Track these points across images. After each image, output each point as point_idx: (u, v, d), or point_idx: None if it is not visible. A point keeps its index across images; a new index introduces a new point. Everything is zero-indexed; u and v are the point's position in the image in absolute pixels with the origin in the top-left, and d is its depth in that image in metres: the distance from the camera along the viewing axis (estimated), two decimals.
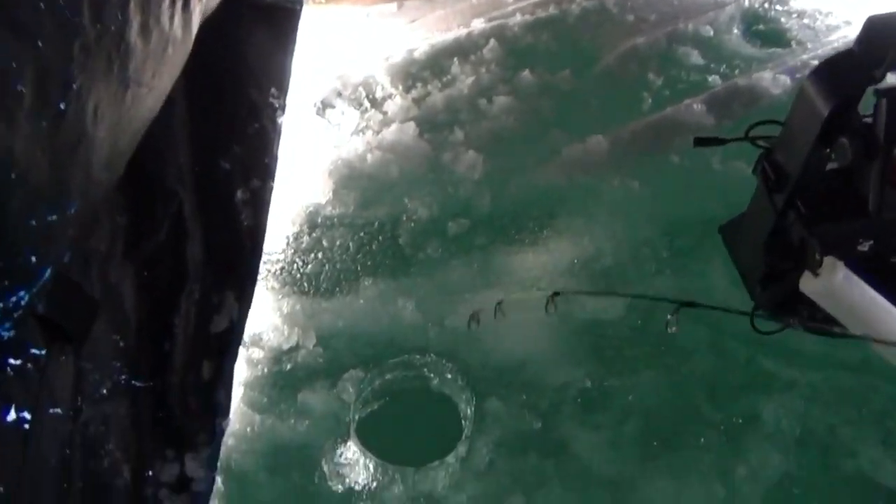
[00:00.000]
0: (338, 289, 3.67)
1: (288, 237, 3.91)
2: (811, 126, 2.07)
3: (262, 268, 3.30)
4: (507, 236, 3.86)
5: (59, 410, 2.07)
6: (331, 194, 4.10)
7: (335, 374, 3.32)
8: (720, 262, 3.13)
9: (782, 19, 5.10)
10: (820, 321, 2.22)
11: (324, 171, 4.22)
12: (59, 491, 2.11)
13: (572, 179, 4.07)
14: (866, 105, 2.09)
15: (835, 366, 3.17)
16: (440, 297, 3.58)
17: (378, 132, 4.41)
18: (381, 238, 3.89)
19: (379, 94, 4.74)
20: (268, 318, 3.52)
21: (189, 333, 2.77)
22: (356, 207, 4.03)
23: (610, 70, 4.78)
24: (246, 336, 3.04)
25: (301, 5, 3.56)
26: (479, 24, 5.18)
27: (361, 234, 3.90)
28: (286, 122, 3.30)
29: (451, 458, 3.08)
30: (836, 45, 4.74)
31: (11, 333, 1.78)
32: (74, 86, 1.77)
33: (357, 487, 3.04)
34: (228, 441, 2.99)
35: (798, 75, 4.47)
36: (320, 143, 4.41)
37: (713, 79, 4.59)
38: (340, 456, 3.12)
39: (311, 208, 4.04)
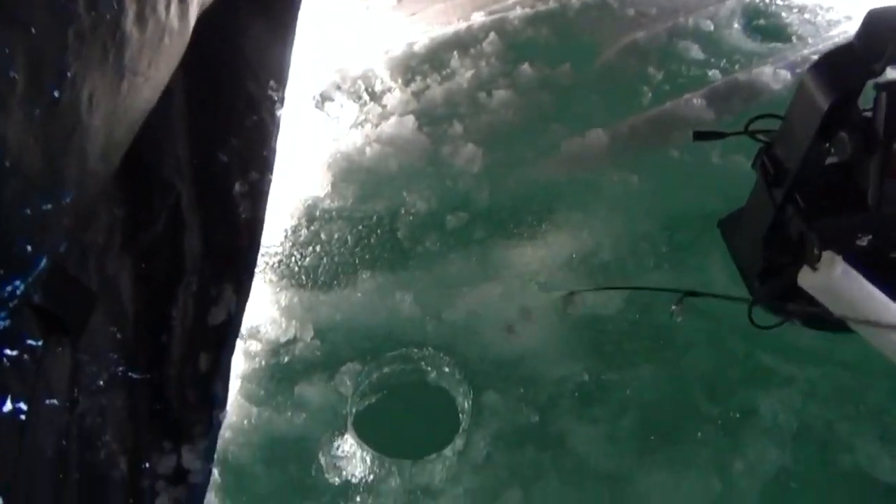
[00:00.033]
0: (336, 282, 3.67)
1: (286, 230, 3.90)
2: (811, 120, 2.06)
3: (261, 260, 3.30)
4: (506, 230, 3.84)
5: (55, 401, 2.07)
6: (329, 187, 4.09)
7: (333, 366, 3.32)
8: (719, 256, 3.13)
9: (783, 14, 5.09)
10: (818, 316, 2.22)
11: (322, 163, 4.21)
12: (56, 482, 2.10)
13: (571, 173, 4.06)
14: (865, 99, 2.09)
15: (833, 361, 3.16)
16: (438, 290, 3.57)
17: (377, 125, 4.40)
18: (379, 231, 3.88)
19: (378, 88, 4.73)
20: (265, 311, 3.52)
21: (186, 325, 2.77)
22: (355, 200, 4.02)
23: (610, 64, 4.76)
24: (243, 328, 3.03)
25: None
26: (478, 18, 5.17)
27: (360, 227, 3.90)
28: (285, 114, 3.29)
29: (448, 452, 3.08)
30: (836, 40, 4.73)
31: (7, 323, 1.78)
32: (69, 73, 1.75)
33: (354, 480, 3.04)
34: (225, 433, 2.99)
35: (798, 70, 4.45)
36: (319, 135, 4.39)
37: (713, 73, 4.57)
38: (337, 449, 3.12)
39: (309, 201, 4.03)
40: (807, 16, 5.06)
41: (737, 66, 4.64)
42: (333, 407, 3.21)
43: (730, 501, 2.89)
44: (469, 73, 4.68)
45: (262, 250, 3.12)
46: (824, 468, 2.96)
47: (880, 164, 2.03)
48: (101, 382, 2.40)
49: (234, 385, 3.14)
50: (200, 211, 2.89)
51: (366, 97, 4.67)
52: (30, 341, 1.92)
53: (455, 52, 4.86)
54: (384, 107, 4.55)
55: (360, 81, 4.76)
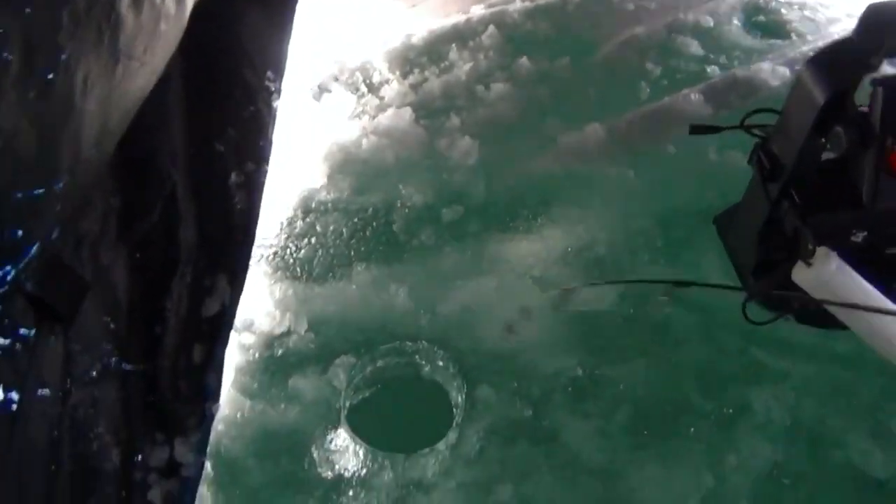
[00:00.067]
0: (330, 274, 3.66)
1: (281, 221, 3.90)
2: (807, 115, 2.05)
3: (255, 252, 3.29)
4: (502, 224, 3.84)
5: (47, 392, 2.06)
6: (325, 179, 4.08)
7: (326, 359, 3.31)
8: (714, 252, 3.11)
9: (783, 10, 5.09)
10: (812, 312, 2.21)
11: (319, 155, 4.20)
12: (48, 474, 2.10)
13: (568, 168, 4.06)
14: (861, 95, 2.08)
15: (826, 357, 3.16)
16: (433, 283, 3.57)
17: (374, 117, 4.39)
18: (374, 224, 3.87)
19: (376, 79, 4.72)
20: (260, 303, 3.51)
21: (181, 317, 2.76)
22: (350, 192, 4.01)
23: (609, 59, 4.76)
24: (237, 320, 3.02)
25: None
26: (478, 11, 5.17)
27: (355, 219, 3.89)
28: (282, 105, 3.28)
29: (441, 446, 3.08)
30: (836, 36, 4.71)
31: None
32: (63, 56, 1.74)
33: (347, 474, 3.03)
34: (218, 426, 2.98)
35: (797, 67, 4.44)
36: (316, 127, 4.39)
37: (712, 69, 4.57)
38: (330, 442, 3.11)
39: (305, 193, 4.02)
40: (806, 13, 5.05)
41: (736, 63, 4.64)
42: (327, 400, 3.21)
43: (722, 496, 2.89)
44: (467, 66, 4.68)
45: (257, 242, 3.11)
46: (816, 464, 2.96)
47: (875, 159, 2.03)
48: (94, 373, 2.39)
49: (228, 377, 3.13)
50: (196, 201, 2.89)
51: (363, 89, 4.66)
52: (22, 330, 1.91)
53: (454, 45, 4.86)
54: (381, 99, 4.55)
55: (357, 73, 4.76)
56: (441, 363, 3.32)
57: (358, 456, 3.08)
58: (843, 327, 2.16)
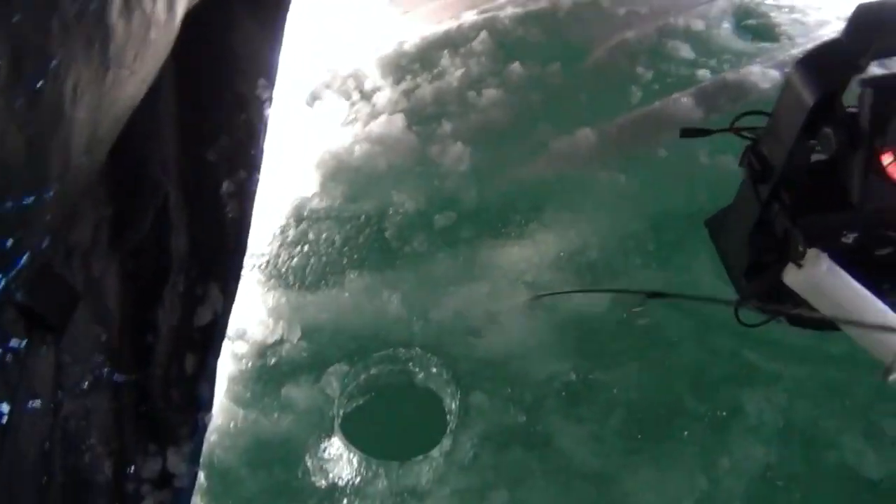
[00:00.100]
0: (323, 282, 3.66)
1: (274, 230, 3.89)
2: (796, 116, 2.06)
3: (248, 261, 3.28)
4: (494, 229, 3.84)
5: (38, 403, 2.05)
6: (317, 187, 4.08)
7: (320, 368, 3.31)
8: (706, 255, 3.13)
9: (773, 14, 5.10)
10: (803, 314, 2.22)
11: (311, 163, 4.20)
12: (39, 486, 2.08)
13: (560, 173, 4.06)
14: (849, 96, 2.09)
15: (818, 358, 3.16)
16: (426, 290, 3.56)
17: (366, 124, 4.39)
18: (367, 231, 3.87)
19: (368, 86, 4.72)
20: (252, 312, 3.50)
21: (172, 326, 2.75)
22: (343, 200, 4.01)
23: (600, 63, 4.76)
24: (230, 329, 3.01)
25: None
26: (469, 17, 5.17)
27: (348, 226, 3.89)
28: (274, 113, 3.29)
29: (435, 453, 3.07)
30: (826, 40, 4.74)
31: None
32: (52, 63, 1.73)
33: (341, 482, 3.02)
34: (211, 436, 2.97)
35: (787, 70, 4.46)
36: (308, 134, 4.38)
37: (703, 73, 4.58)
38: (324, 451, 3.11)
39: (297, 201, 4.02)
40: (796, 16, 5.07)
41: (726, 66, 4.65)
42: (320, 408, 3.20)
43: (716, 499, 2.88)
44: (459, 72, 4.68)
45: (249, 250, 3.11)
46: (810, 465, 2.95)
47: (864, 160, 2.03)
48: (86, 384, 2.38)
49: (221, 387, 3.12)
50: (188, 210, 2.88)
51: (355, 96, 4.67)
52: (13, 341, 1.90)
53: (445, 51, 4.86)
54: (373, 106, 4.55)
55: (350, 80, 4.75)
56: (434, 370, 3.31)
57: (352, 464, 3.07)
58: (836, 328, 2.17)
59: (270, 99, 3.29)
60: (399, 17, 5.30)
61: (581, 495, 2.93)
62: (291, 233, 3.87)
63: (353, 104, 4.61)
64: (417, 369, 3.34)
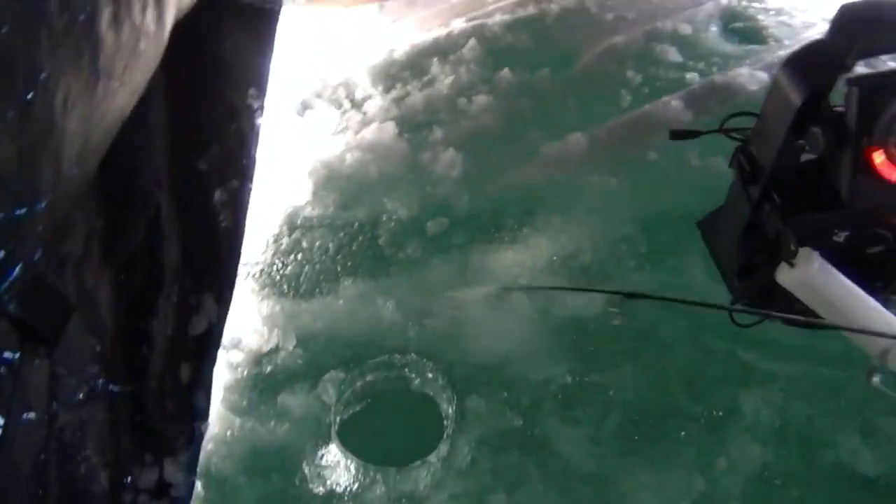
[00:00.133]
0: (317, 290, 3.66)
1: (267, 238, 3.89)
2: (784, 116, 2.07)
3: (241, 269, 3.27)
4: (487, 235, 3.85)
5: (33, 415, 2.04)
6: (310, 195, 4.08)
7: (315, 375, 3.30)
8: (699, 257, 3.14)
9: (759, 17, 5.15)
10: (797, 313, 2.23)
11: (303, 171, 4.21)
12: (35, 498, 2.07)
13: (551, 177, 4.08)
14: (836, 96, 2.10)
15: (813, 357, 3.18)
16: (420, 296, 3.57)
17: (357, 132, 4.40)
18: (360, 238, 3.87)
19: (358, 95, 4.74)
20: (247, 320, 3.49)
21: (167, 336, 2.74)
22: (335, 208, 4.01)
23: (589, 68, 4.79)
24: (225, 338, 3.00)
25: (280, 6, 3.55)
26: (458, 24, 5.19)
27: (341, 234, 3.89)
28: (265, 122, 3.29)
29: (432, 458, 3.06)
30: (811, 40, 4.78)
31: None
32: (42, 75, 1.73)
33: (338, 489, 3.01)
34: (208, 445, 2.96)
35: (774, 72, 4.49)
36: (299, 143, 4.39)
37: (691, 76, 4.61)
38: (321, 458, 3.10)
39: (290, 209, 4.02)
40: (783, 18, 5.11)
41: (714, 69, 4.69)
42: (317, 416, 3.19)
43: (713, 499, 2.89)
44: (449, 80, 4.70)
45: (242, 259, 3.10)
46: (806, 464, 2.96)
47: (852, 159, 2.05)
48: (81, 395, 2.36)
49: (216, 396, 3.11)
50: (180, 220, 2.88)
51: (346, 104, 4.68)
52: (6, 353, 1.89)
53: (435, 59, 4.88)
54: (364, 114, 4.56)
55: (340, 89, 4.77)
56: (430, 375, 3.31)
57: (349, 470, 3.06)
58: (829, 327, 2.18)
59: (261, 108, 3.29)
60: (389, 25, 5.32)
61: (579, 497, 2.93)
62: (285, 241, 3.87)
63: (343, 112, 4.62)
64: (413, 375, 3.34)
